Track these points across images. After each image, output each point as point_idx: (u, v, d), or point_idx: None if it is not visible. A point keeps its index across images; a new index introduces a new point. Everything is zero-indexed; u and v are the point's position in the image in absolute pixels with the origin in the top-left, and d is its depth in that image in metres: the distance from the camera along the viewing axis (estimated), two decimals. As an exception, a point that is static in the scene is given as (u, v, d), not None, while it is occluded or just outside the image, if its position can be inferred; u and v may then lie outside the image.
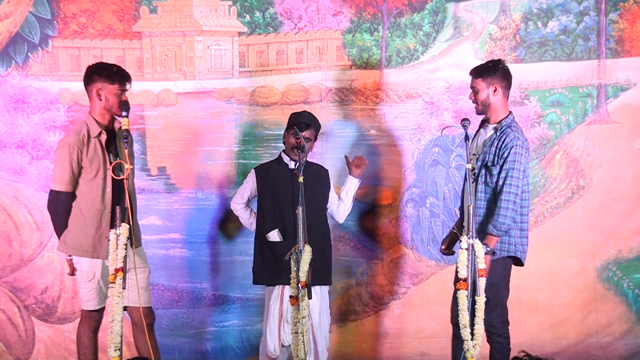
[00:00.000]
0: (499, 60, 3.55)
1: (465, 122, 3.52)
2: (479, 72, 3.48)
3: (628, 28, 4.28)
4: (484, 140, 3.53)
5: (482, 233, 3.36)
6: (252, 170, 3.85)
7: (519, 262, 3.52)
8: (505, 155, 3.36)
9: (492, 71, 3.46)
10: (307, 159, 3.77)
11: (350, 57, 4.31)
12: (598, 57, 4.29)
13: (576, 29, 4.29)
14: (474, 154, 3.55)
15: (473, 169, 3.49)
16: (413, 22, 4.30)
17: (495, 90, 3.45)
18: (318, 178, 3.77)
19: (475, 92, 3.49)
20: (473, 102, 3.52)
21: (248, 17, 4.30)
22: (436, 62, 4.31)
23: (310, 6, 4.31)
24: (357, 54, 4.31)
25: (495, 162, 3.40)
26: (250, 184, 3.83)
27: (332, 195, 3.84)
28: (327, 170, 3.86)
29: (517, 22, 4.30)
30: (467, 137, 3.46)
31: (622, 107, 4.29)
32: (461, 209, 3.71)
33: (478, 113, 3.56)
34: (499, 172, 3.38)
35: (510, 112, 3.52)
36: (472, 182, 3.48)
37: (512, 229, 3.41)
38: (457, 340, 3.42)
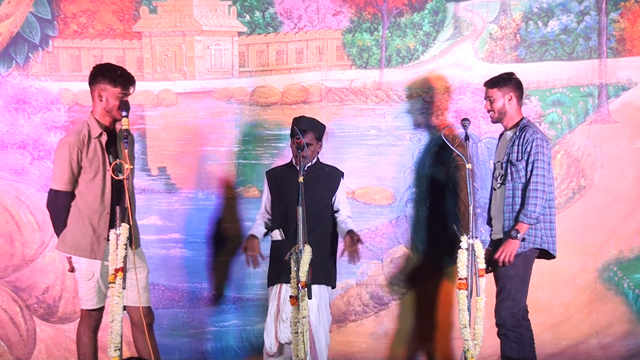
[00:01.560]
0: (512, 72, 3.71)
1: (465, 122, 3.60)
2: (494, 83, 3.67)
3: (629, 27, 4.26)
4: (505, 142, 3.66)
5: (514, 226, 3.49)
6: (265, 174, 3.85)
7: (548, 255, 3.61)
8: (529, 149, 3.51)
9: (507, 81, 3.65)
10: (321, 160, 3.79)
11: (350, 57, 4.31)
12: (599, 57, 4.27)
13: (577, 29, 4.28)
14: (498, 161, 3.68)
15: (500, 175, 3.63)
16: (413, 22, 4.30)
17: (510, 99, 3.63)
18: (328, 179, 3.74)
19: (491, 101, 3.66)
20: (489, 111, 3.67)
21: (248, 17, 4.30)
22: (436, 61, 4.30)
23: (310, 6, 4.30)
24: (357, 53, 4.31)
25: (519, 157, 3.54)
26: (265, 188, 3.83)
27: (337, 199, 3.76)
28: (341, 173, 3.81)
29: (518, 21, 4.29)
30: (467, 137, 3.50)
31: (623, 107, 4.27)
32: (489, 214, 3.77)
33: (494, 121, 3.71)
34: (526, 166, 3.52)
35: (525, 116, 3.69)
36: (500, 187, 3.63)
37: (541, 220, 3.53)
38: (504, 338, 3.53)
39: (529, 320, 3.61)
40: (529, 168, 3.50)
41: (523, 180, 3.53)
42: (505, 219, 3.56)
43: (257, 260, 3.62)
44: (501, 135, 3.76)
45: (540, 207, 3.47)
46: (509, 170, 3.56)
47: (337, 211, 3.76)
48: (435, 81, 4.31)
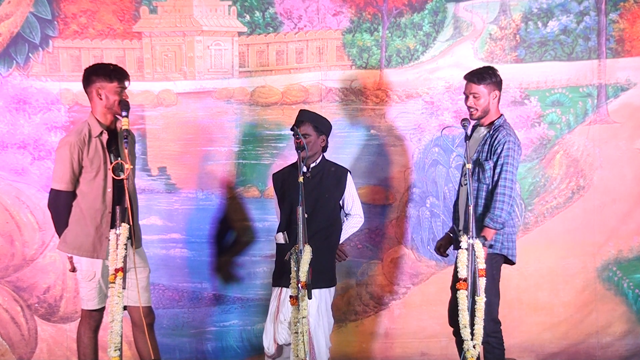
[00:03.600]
0: (495, 68, 3.55)
1: (465, 122, 3.53)
2: (481, 79, 3.47)
3: (628, 28, 4.27)
4: (477, 139, 3.55)
5: (479, 228, 3.35)
6: (271, 177, 3.84)
7: (509, 261, 3.50)
8: (499, 151, 3.39)
9: (494, 77, 3.48)
10: (327, 158, 3.77)
11: (350, 57, 4.31)
12: (598, 57, 4.28)
13: (576, 29, 4.29)
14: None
15: (474, 169, 3.50)
16: (413, 22, 4.30)
17: (495, 97, 3.49)
18: (334, 180, 3.73)
19: (475, 97, 3.48)
20: (470, 107, 3.49)
21: (248, 17, 4.30)
22: (436, 62, 4.31)
23: (310, 6, 4.31)
24: (357, 54, 4.31)
25: (488, 157, 3.43)
26: (273, 192, 3.83)
27: (346, 200, 3.75)
28: (346, 172, 3.78)
29: (517, 22, 4.30)
30: (467, 137, 3.47)
31: (622, 107, 4.28)
32: (455, 209, 3.67)
33: (475, 119, 3.54)
34: (493, 168, 3.41)
35: (502, 114, 3.55)
36: (466, 184, 3.44)
37: (506, 224, 3.42)
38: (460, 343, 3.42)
39: (501, 330, 3.48)
40: (497, 170, 3.38)
41: (487, 181, 3.42)
42: (477, 219, 3.37)
43: None
44: (474, 129, 3.60)
45: (506, 213, 3.35)
46: (475, 170, 3.43)
47: (348, 212, 3.77)
48: (435, 81, 4.31)
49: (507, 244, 3.45)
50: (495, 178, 3.39)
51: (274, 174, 3.86)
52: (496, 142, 3.41)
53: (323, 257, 3.60)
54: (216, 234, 4.34)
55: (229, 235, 4.36)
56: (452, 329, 3.55)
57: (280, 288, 3.64)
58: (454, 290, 3.43)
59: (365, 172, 4.29)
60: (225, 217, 4.33)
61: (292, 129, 3.63)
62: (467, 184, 3.40)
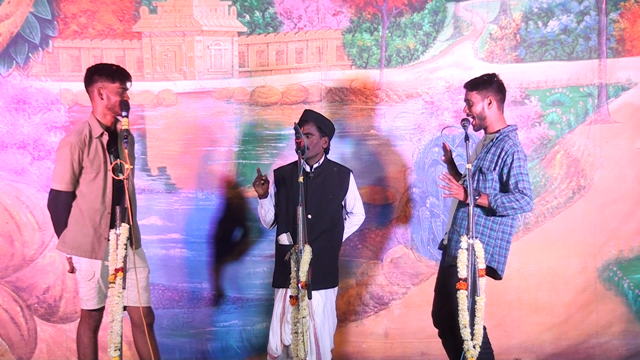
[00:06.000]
0: (494, 74, 3.50)
1: (465, 122, 3.52)
2: (473, 85, 3.47)
3: (629, 27, 4.27)
4: (480, 147, 3.53)
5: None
6: (272, 172, 3.83)
7: (495, 274, 3.42)
8: (509, 162, 3.34)
9: (487, 84, 3.45)
10: (329, 158, 3.78)
11: (350, 57, 4.31)
12: (599, 57, 4.28)
13: (577, 29, 4.28)
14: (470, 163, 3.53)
15: (474, 175, 3.47)
16: (413, 22, 4.30)
17: (490, 103, 3.44)
18: (337, 180, 3.73)
19: (469, 104, 3.48)
20: (468, 115, 3.49)
21: (248, 17, 4.30)
22: (436, 61, 4.31)
23: (310, 6, 4.31)
24: (357, 53, 4.31)
25: (492, 167, 3.39)
26: (272, 186, 3.81)
27: (349, 200, 3.76)
28: (349, 171, 3.78)
29: (518, 21, 4.30)
30: (467, 137, 3.44)
31: (623, 107, 4.28)
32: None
33: (476, 129, 3.51)
34: (500, 179, 3.36)
35: (510, 125, 3.49)
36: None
37: (494, 237, 3.37)
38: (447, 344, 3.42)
39: (486, 334, 3.40)
40: (512, 181, 3.31)
41: (489, 191, 3.36)
42: (462, 226, 3.37)
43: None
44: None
45: (508, 212, 3.29)
46: (476, 178, 3.40)
47: (350, 211, 3.77)
48: (435, 81, 4.31)
49: (498, 258, 3.39)
50: (512, 188, 3.32)
51: (275, 169, 3.84)
52: (503, 152, 3.35)
53: (328, 258, 3.62)
54: (216, 234, 4.34)
55: (236, 231, 4.35)
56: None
57: (285, 289, 3.63)
58: (438, 292, 3.52)
59: (365, 172, 4.29)
60: (225, 217, 4.33)
61: (294, 127, 3.62)
62: (466, 184, 3.42)
